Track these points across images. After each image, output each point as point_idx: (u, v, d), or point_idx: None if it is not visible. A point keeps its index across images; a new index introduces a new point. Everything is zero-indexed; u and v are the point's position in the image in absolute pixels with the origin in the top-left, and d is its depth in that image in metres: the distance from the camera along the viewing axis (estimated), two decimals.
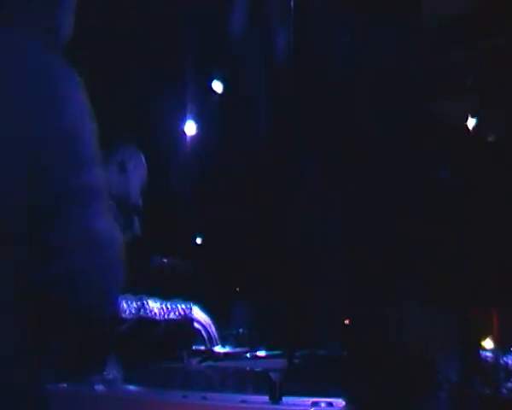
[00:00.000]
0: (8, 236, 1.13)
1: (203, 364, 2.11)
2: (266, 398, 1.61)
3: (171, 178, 4.49)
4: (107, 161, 2.40)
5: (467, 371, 3.85)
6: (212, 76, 4.95)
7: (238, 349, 2.33)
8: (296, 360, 2.21)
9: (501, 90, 4.43)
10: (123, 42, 3.60)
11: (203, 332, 2.11)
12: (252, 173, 5.00)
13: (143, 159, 2.55)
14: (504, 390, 3.44)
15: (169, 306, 2.07)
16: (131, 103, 3.65)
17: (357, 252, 4.79)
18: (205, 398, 1.64)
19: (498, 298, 4.24)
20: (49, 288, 1.16)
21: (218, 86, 4.99)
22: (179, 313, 2.08)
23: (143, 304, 2.04)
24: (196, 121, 4.89)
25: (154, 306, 2.06)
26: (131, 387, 1.86)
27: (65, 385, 1.77)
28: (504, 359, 3.51)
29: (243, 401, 1.62)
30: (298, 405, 1.61)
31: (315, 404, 1.58)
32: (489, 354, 3.64)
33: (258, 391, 1.67)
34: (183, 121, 4.85)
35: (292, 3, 3.53)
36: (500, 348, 3.72)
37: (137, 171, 2.49)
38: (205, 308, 2.16)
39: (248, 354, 2.27)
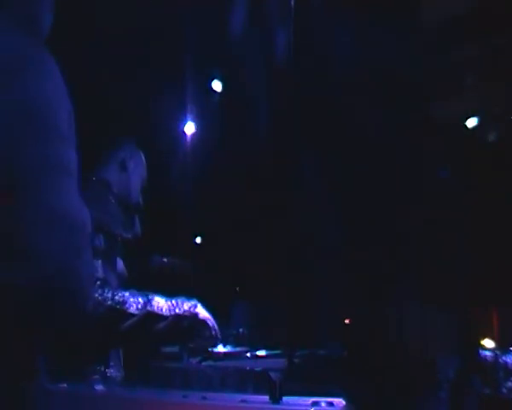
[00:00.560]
0: None
1: (203, 364, 2.12)
2: (266, 398, 1.61)
3: (171, 177, 4.49)
4: (107, 160, 2.40)
5: (466, 370, 3.86)
6: (212, 76, 4.96)
7: (238, 349, 2.33)
8: (296, 360, 2.21)
9: (501, 90, 4.44)
10: (123, 42, 3.60)
11: (208, 328, 2.12)
12: (251, 173, 5.01)
13: (144, 158, 2.55)
14: (504, 390, 3.45)
15: (174, 302, 2.08)
16: (132, 103, 3.65)
17: (357, 252, 4.80)
18: (205, 398, 1.64)
19: (498, 298, 4.25)
20: (12, 268, 1.08)
21: (217, 86, 4.99)
22: (184, 310, 2.08)
23: (150, 300, 2.04)
24: (196, 121, 4.89)
25: (160, 301, 2.06)
26: (131, 387, 1.86)
27: (65, 385, 1.77)
28: (504, 358, 3.52)
29: (243, 401, 1.62)
30: (298, 405, 1.61)
31: (315, 404, 1.58)
32: (488, 353, 3.65)
33: (258, 391, 1.67)
34: (183, 121, 4.85)
35: (292, 3, 3.53)
36: (499, 348, 3.73)
37: (138, 170, 2.49)
38: (205, 308, 2.17)
39: (248, 354, 2.27)
